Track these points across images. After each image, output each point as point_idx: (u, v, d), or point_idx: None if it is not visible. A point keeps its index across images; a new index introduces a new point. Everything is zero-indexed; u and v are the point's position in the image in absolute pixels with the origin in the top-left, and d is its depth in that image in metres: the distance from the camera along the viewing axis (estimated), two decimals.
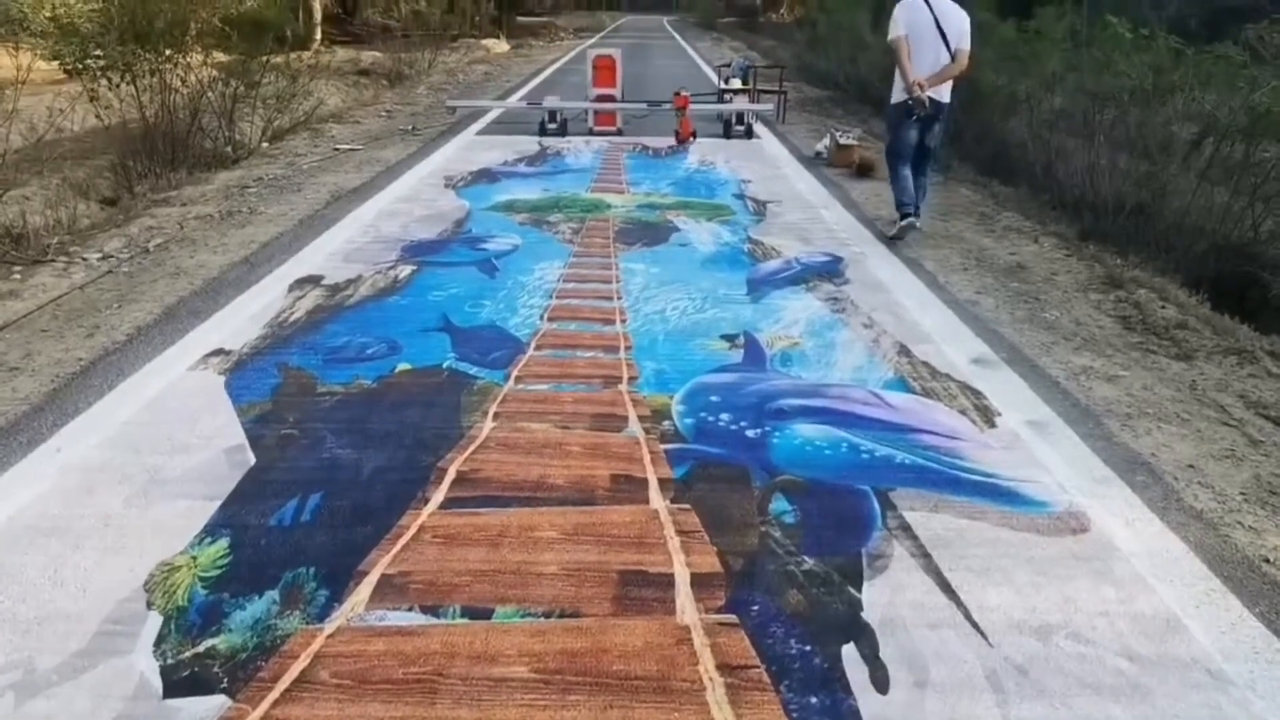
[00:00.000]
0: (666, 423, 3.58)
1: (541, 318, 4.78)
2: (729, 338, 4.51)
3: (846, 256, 6.01)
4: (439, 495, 3.04)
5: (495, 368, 4.11)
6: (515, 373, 4.05)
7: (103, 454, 3.35)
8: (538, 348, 4.36)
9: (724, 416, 3.62)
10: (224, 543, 2.80)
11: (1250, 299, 5.95)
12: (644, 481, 3.13)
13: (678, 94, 10.80)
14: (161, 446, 3.39)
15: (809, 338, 4.53)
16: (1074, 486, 3.20)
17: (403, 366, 4.11)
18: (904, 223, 6.53)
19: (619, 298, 5.12)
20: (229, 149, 10.07)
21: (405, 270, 5.57)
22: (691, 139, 10.52)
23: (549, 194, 7.85)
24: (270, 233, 6.54)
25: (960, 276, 5.72)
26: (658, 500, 3.02)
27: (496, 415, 3.63)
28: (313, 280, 5.34)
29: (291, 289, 5.20)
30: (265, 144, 10.84)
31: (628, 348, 4.36)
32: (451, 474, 3.17)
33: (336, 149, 10.33)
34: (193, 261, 5.85)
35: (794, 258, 5.97)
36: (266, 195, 7.91)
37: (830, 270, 5.72)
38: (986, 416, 3.71)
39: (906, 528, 2.91)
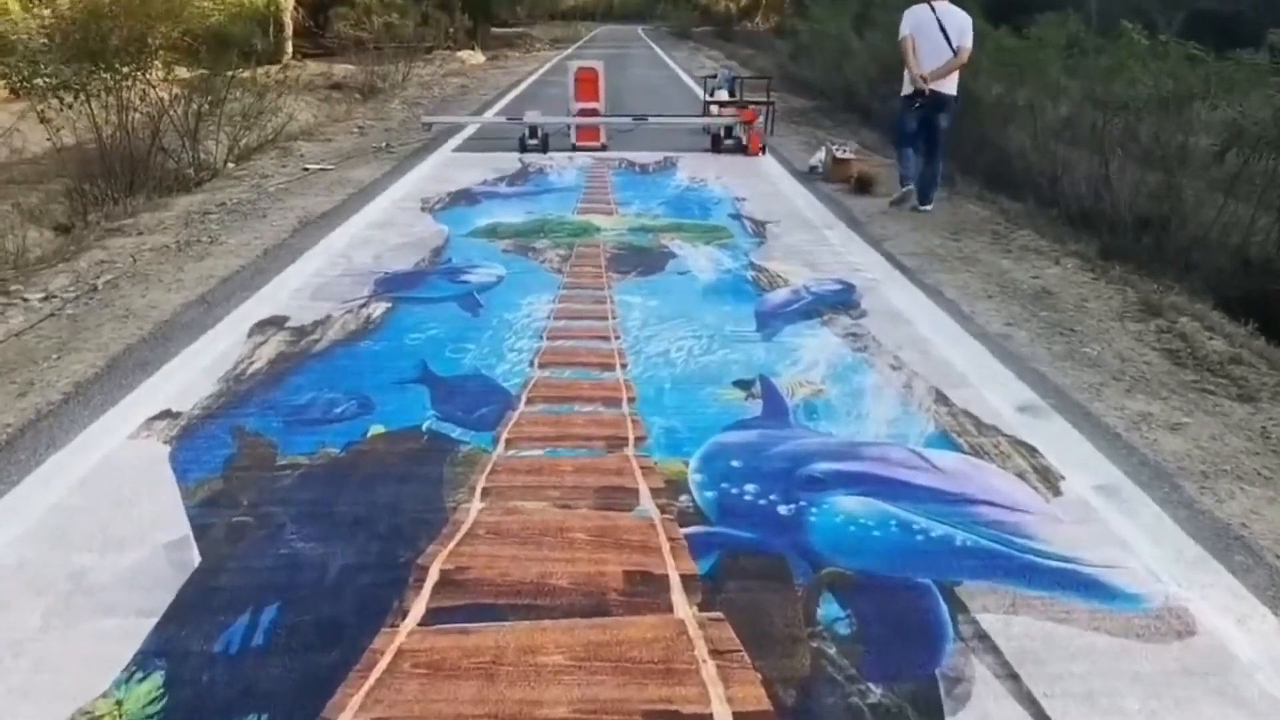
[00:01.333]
0: (684, 497, 3.08)
1: (532, 364, 4.28)
2: (744, 385, 4.02)
3: (859, 284, 5.54)
4: (419, 605, 2.52)
5: (482, 428, 3.60)
6: (505, 434, 3.54)
7: (21, 551, 2.81)
8: (529, 402, 3.85)
9: (749, 488, 3.13)
10: (157, 679, 2.27)
11: None
12: (664, 580, 2.63)
13: (743, 106, 10.83)
14: (93, 541, 2.86)
15: (833, 383, 4.05)
16: (1166, 572, 2.73)
17: (376, 429, 3.59)
18: (904, 189, 7.64)
19: (616, 337, 4.62)
20: (191, 170, 9.51)
21: (379, 308, 5.05)
22: (761, 152, 10.22)
23: (533, 216, 7.35)
24: (231, 266, 6.00)
25: (985, 305, 5.26)
26: (683, 606, 2.52)
27: (485, 492, 3.12)
28: (276, 322, 4.81)
29: (252, 333, 4.66)
30: (230, 164, 10.29)
31: (631, 399, 3.86)
32: (434, 574, 2.66)
33: (306, 169, 9.79)
34: (144, 301, 5.30)
35: (803, 286, 5.49)
36: (229, 222, 7.37)
37: (844, 300, 5.25)
38: (1049, 480, 3.24)
39: (984, 636, 2.43)
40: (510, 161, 9.86)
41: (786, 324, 4.85)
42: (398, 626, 2.44)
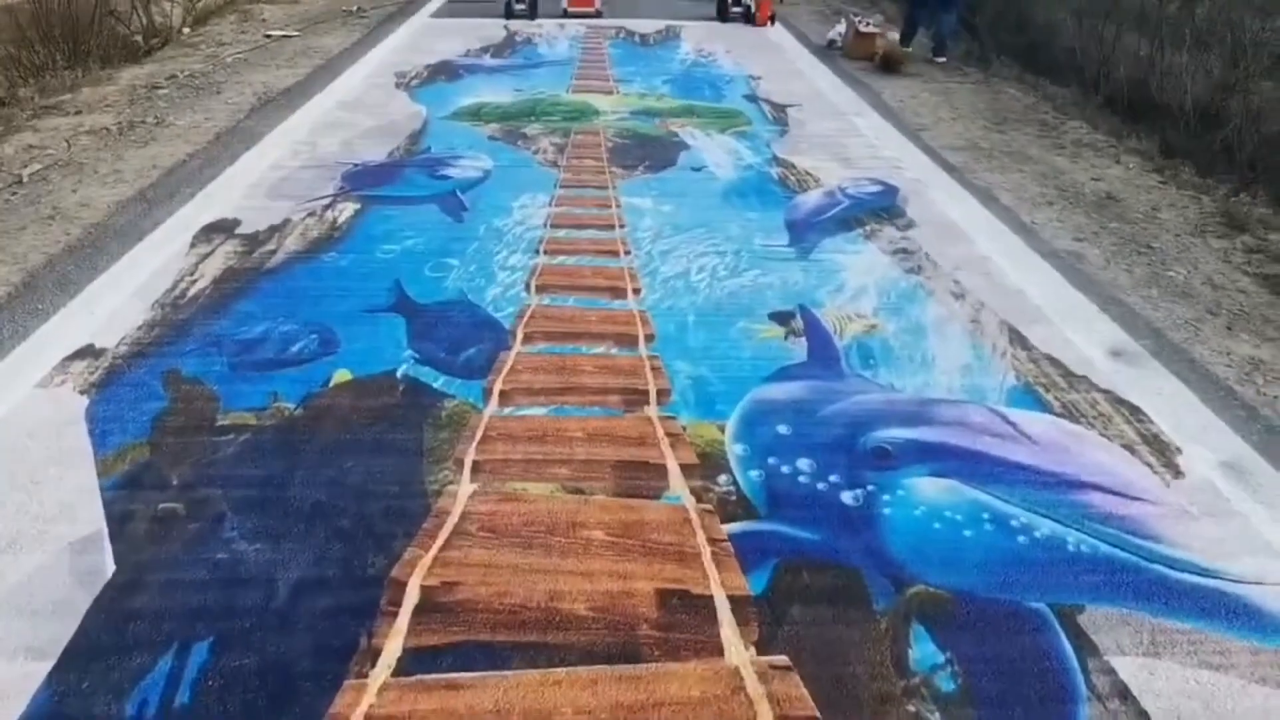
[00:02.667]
0: (723, 478, 2.49)
1: (528, 286, 3.61)
2: (782, 318, 3.38)
3: (902, 186, 4.82)
4: (394, 642, 1.94)
5: (470, 375, 2.96)
6: (499, 385, 2.91)
7: None
8: (526, 339, 3.20)
9: (803, 465, 2.53)
10: None
11: None
12: (708, 605, 2.06)
13: None
14: None
15: (888, 317, 3.42)
16: None
17: (340, 375, 2.95)
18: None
19: (626, 252, 3.94)
20: (141, 38, 8.48)
21: (346, 210, 4.31)
22: (770, 23, 9.25)
23: (522, 95, 6.50)
24: (178, 154, 5.20)
25: (1046, 214, 4.58)
26: (736, 646, 1.95)
27: (476, 468, 2.51)
28: (224, 228, 4.08)
29: (196, 242, 3.95)
30: (185, 30, 9.23)
31: (648, 338, 3.22)
32: (413, 593, 2.07)
33: (268, 36, 8.77)
34: (74, 199, 4.54)
35: (838, 187, 4.77)
36: (179, 100, 6.48)
37: (886, 206, 4.54)
38: (1165, 456, 2.65)
39: (1124, 694, 1.88)
40: (495, 29, 8.86)
41: (824, 235, 4.17)
42: (365, 678, 1.86)
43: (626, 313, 3.40)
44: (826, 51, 8.39)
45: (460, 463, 2.53)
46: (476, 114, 6.01)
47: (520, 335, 3.22)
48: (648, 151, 5.32)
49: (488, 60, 7.63)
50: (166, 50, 8.35)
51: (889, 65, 7.61)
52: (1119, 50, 7.09)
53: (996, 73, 7.58)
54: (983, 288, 3.67)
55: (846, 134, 5.77)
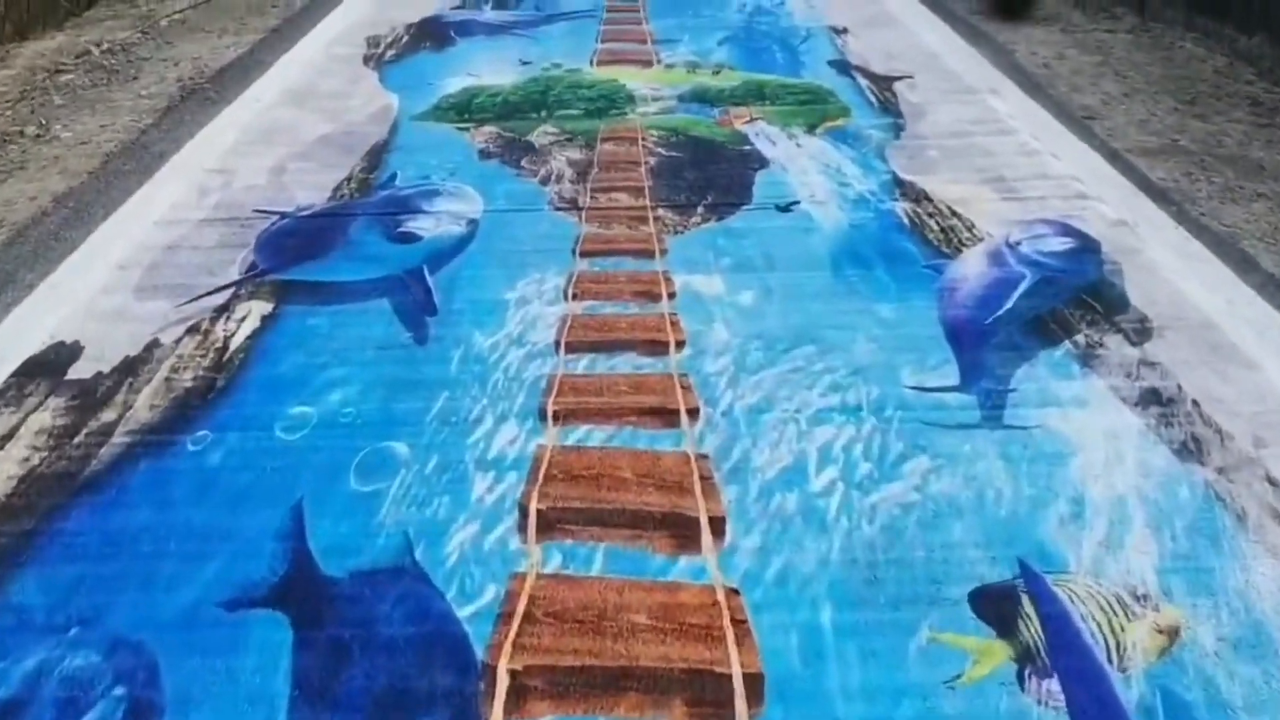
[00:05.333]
0: None
1: (523, 513, 2.03)
2: (997, 605, 1.79)
3: (1101, 235, 3.14)
4: None
5: None
6: None
7: None
8: (517, 698, 1.65)
9: None
10: None
11: None
12: None
13: None
14: None
15: (1188, 588, 1.81)
16: None
17: None
18: None
19: (691, 412, 2.34)
20: None
21: (248, 317, 2.76)
22: None
23: (529, 73, 4.81)
24: (37, 204, 3.64)
25: None
26: None
27: None
28: (50, 368, 2.57)
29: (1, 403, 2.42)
30: None
31: (749, 676, 1.65)
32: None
33: None
34: None
35: (1006, 243, 3.11)
36: (82, 91, 4.91)
37: (1092, 282, 2.91)
38: None
39: None
40: None
41: (1012, 360, 2.54)
42: None
43: (702, 594, 1.83)
44: None
45: None
46: (466, 108, 4.35)
47: (507, 683, 1.67)
48: (708, 172, 3.67)
49: (487, 12, 5.91)
50: (96, 9, 6.66)
51: (1011, 5, 5.75)
52: None
53: (1156, 13, 5.68)
54: None
55: (987, 128, 4.04)
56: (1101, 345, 2.60)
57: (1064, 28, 5.51)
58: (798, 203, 3.40)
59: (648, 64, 4.95)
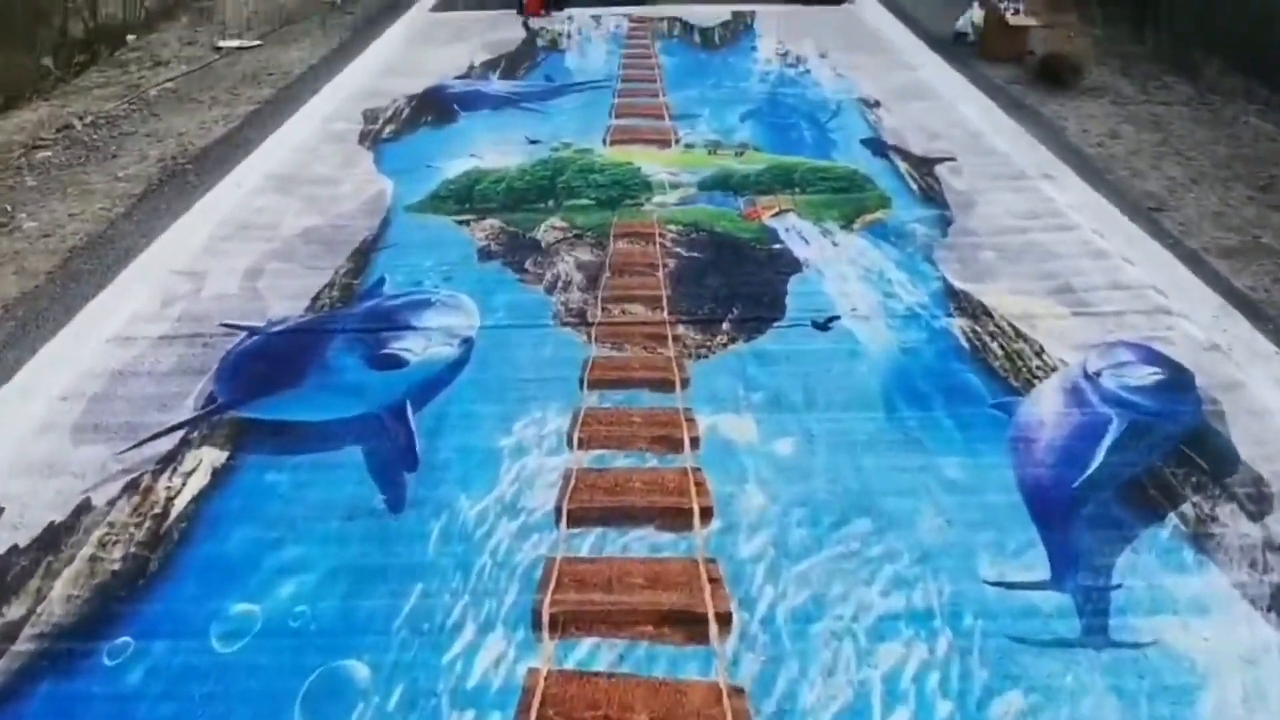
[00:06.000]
0: None
1: None
2: None
3: (1190, 362, 2.69)
4: None
5: None
6: None
7: None
8: None
9: None
10: None
11: None
12: None
13: None
14: None
15: None
16: None
17: None
18: None
19: (721, 619, 1.89)
20: (49, 61, 6.51)
21: (196, 471, 2.34)
22: None
23: (537, 153, 4.42)
24: None
25: None
26: None
27: None
28: None
29: None
30: (132, 35, 7.25)
31: None
32: None
33: (218, 49, 6.75)
34: None
35: (1084, 374, 2.67)
36: (57, 171, 4.58)
37: (1192, 428, 2.45)
38: None
39: None
40: (510, 26, 6.75)
41: (1106, 542, 2.07)
42: None
43: None
44: (954, 48, 6.15)
45: None
46: (467, 196, 3.97)
47: None
48: (734, 277, 3.25)
49: (494, 83, 5.55)
50: (86, 77, 6.36)
51: (1056, 73, 5.37)
52: None
53: (1213, 84, 5.28)
54: None
55: (1045, 222, 3.62)
56: (1214, 519, 2.14)
57: (1114, 99, 5.11)
58: (838, 318, 2.97)
59: (665, 143, 4.57)
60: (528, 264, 3.39)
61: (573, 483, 2.29)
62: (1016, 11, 5.91)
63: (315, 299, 3.18)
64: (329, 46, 6.66)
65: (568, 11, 7.15)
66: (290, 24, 7.46)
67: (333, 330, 2.98)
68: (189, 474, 2.36)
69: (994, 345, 2.82)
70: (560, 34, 6.58)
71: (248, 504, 2.24)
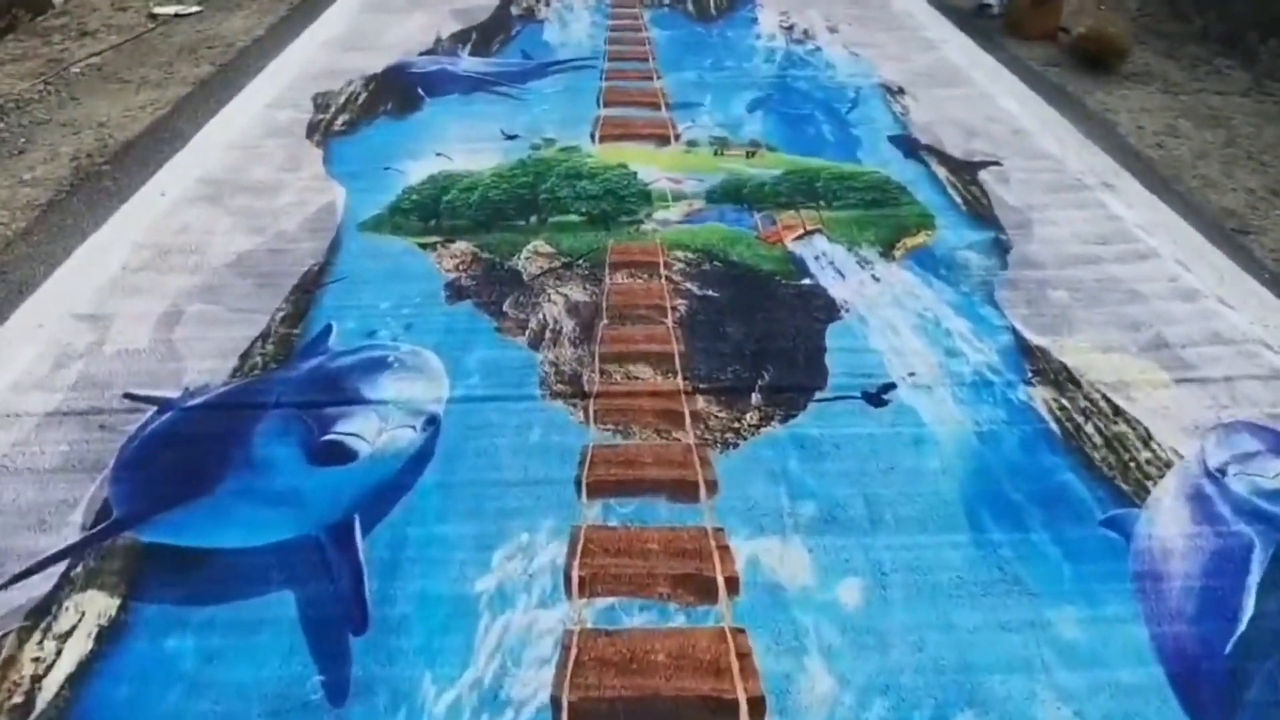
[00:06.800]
0: None
1: None
2: None
3: None
4: None
5: None
6: None
7: None
8: None
9: None
10: None
11: None
12: None
13: None
14: None
15: None
16: None
17: None
18: None
19: None
20: None
21: (63, 656, 1.75)
22: None
23: (515, 151, 3.79)
24: None
25: None
26: None
27: None
28: None
29: None
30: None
31: None
32: None
33: (153, 16, 5.99)
34: None
35: (1208, 474, 2.13)
36: None
37: None
38: None
39: None
40: None
41: None
42: None
43: None
44: (977, 21, 5.54)
45: None
46: (433, 210, 3.34)
47: None
48: (759, 326, 2.67)
49: (464, 61, 4.87)
50: (7, 41, 5.59)
51: (1096, 55, 4.77)
52: None
53: (1270, 69, 4.71)
54: None
55: (1118, 249, 3.06)
56: None
57: (1163, 88, 4.53)
58: (894, 385, 2.40)
59: (663, 139, 3.94)
60: (507, 305, 2.79)
61: (574, 653, 1.72)
62: None
63: (244, 356, 2.57)
64: (277, 15, 5.92)
65: None
66: None
67: (262, 405, 2.37)
68: (66, 636, 1.77)
69: (1089, 428, 2.27)
70: (536, 4, 5.87)
71: (134, 694, 1.66)
